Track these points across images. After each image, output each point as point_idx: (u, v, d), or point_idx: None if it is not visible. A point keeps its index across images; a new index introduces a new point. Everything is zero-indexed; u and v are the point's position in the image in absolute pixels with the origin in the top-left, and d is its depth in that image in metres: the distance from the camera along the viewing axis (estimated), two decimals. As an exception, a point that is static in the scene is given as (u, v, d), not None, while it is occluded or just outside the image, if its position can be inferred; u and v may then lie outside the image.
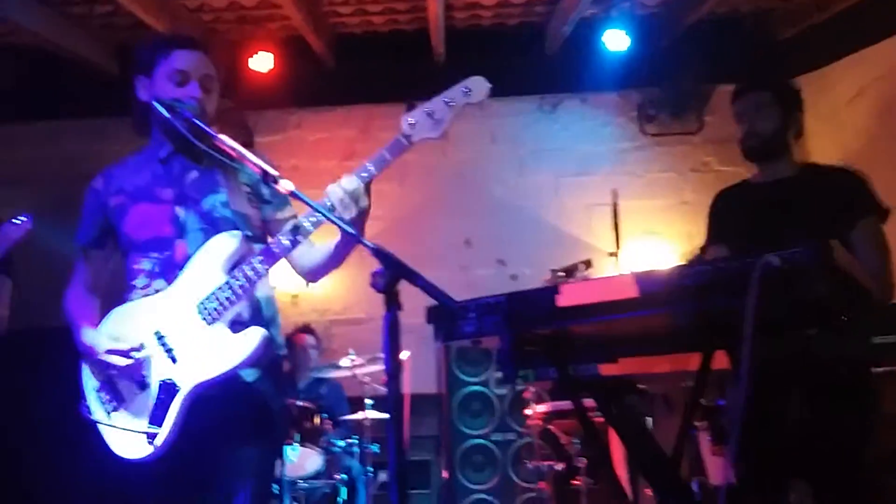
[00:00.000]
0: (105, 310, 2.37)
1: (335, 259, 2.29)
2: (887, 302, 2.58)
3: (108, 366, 2.16)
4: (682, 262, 5.29)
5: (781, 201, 2.72)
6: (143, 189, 2.30)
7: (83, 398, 2.27)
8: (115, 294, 2.39)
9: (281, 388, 2.35)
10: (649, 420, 3.72)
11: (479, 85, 2.05)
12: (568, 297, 1.97)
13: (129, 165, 2.38)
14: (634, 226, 5.89)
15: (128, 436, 2.14)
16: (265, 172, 2.03)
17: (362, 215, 2.10)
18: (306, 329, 5.48)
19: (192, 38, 2.32)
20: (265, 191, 2.34)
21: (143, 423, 2.14)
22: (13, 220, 2.45)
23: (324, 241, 2.28)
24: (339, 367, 4.93)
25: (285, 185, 2.01)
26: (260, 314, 2.28)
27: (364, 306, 5.97)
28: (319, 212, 1.97)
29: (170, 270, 2.21)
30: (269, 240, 2.17)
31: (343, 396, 5.32)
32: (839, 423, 2.49)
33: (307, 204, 1.99)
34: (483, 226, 6.23)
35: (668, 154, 6.33)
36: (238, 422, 2.17)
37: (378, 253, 1.76)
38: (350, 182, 2.06)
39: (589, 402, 2.39)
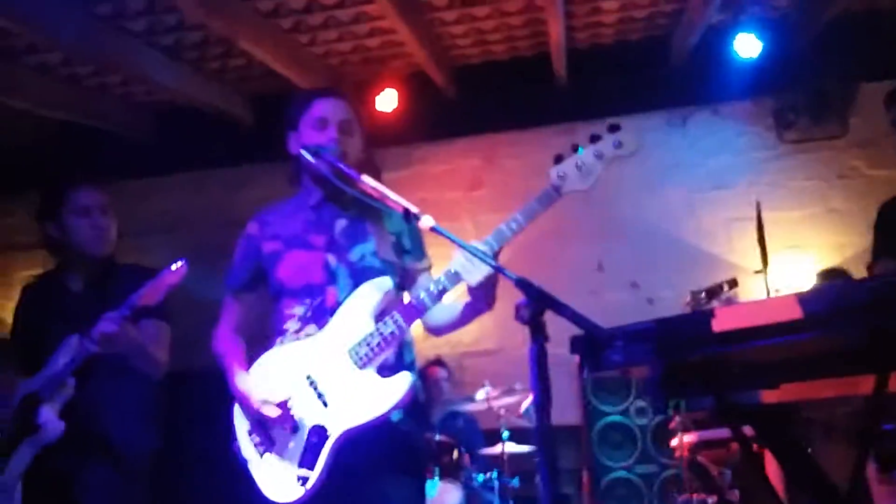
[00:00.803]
0: (249, 353, 2.42)
1: (461, 320, 2.34)
2: None
3: (263, 417, 2.22)
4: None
5: None
6: (297, 236, 2.38)
7: (234, 439, 2.34)
8: (257, 338, 2.45)
9: (422, 426, 2.40)
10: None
11: (629, 138, 2.06)
12: (724, 320, 1.86)
13: (282, 212, 2.48)
14: (779, 240, 5.57)
15: (279, 478, 2.19)
16: (407, 210, 2.05)
17: (490, 279, 2.10)
18: (438, 362, 5.48)
19: (330, 88, 2.50)
20: (406, 241, 2.41)
21: (293, 466, 2.18)
22: (170, 267, 2.58)
23: (453, 300, 2.31)
24: (474, 400, 4.89)
25: (426, 222, 2.03)
26: (402, 359, 2.33)
27: (495, 338, 5.90)
28: (461, 245, 1.95)
29: (321, 316, 2.28)
30: (408, 297, 2.23)
31: (479, 429, 5.27)
32: None
33: (447, 237, 1.99)
34: (615, 248, 6.06)
35: (812, 161, 5.95)
36: (386, 460, 2.20)
37: (521, 284, 1.73)
38: (470, 252, 2.04)
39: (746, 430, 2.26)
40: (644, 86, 6.06)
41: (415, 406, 2.30)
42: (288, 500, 2.16)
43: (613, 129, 2.04)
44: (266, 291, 2.44)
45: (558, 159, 2.06)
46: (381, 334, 2.17)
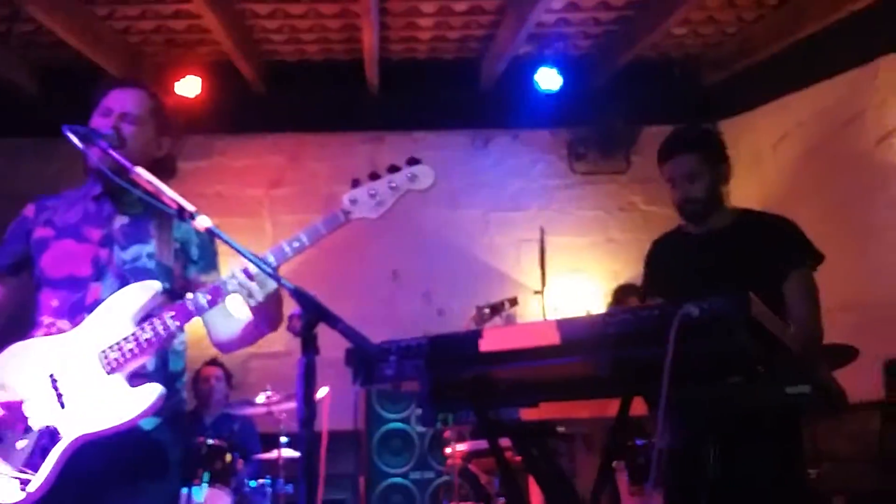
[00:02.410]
0: (5, 343, 2.24)
1: (244, 338, 2.27)
2: (814, 348, 2.66)
3: None
4: (606, 308, 5.38)
5: (718, 254, 2.77)
6: (72, 226, 2.25)
7: None
8: (17, 328, 2.28)
9: (181, 437, 2.28)
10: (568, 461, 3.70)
11: (425, 173, 2.02)
12: (490, 342, 1.96)
13: (64, 199, 2.34)
14: (562, 263, 5.93)
15: (1, 480, 2.03)
16: (181, 208, 1.94)
17: (270, 298, 2.03)
18: (213, 362, 5.28)
19: (131, 79, 2.38)
20: (194, 251, 2.32)
21: (18, 468, 2.03)
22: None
23: (242, 314, 2.24)
24: (253, 404, 4.77)
25: (202, 222, 1.92)
26: (166, 368, 2.22)
27: (284, 340, 5.76)
28: (238, 250, 1.87)
29: (77, 312, 2.15)
30: (187, 296, 2.08)
31: (255, 433, 5.14)
32: (756, 469, 2.53)
33: (224, 241, 1.90)
34: (411, 258, 6.18)
35: (597, 192, 6.41)
36: (129, 467, 2.09)
37: (296, 293, 1.70)
38: (257, 266, 1.94)
39: (506, 441, 2.39)
40: (452, 104, 6.27)
41: (175, 418, 2.21)
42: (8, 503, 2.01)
43: (412, 162, 2.02)
44: (31, 280, 2.28)
45: (355, 184, 2.02)
46: (137, 340, 2.05)
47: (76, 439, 2.02)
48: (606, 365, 1.90)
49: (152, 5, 5.21)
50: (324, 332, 1.69)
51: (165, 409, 2.11)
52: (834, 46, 5.24)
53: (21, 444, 2.06)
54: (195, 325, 2.26)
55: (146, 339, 2.05)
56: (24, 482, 2.00)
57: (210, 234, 1.91)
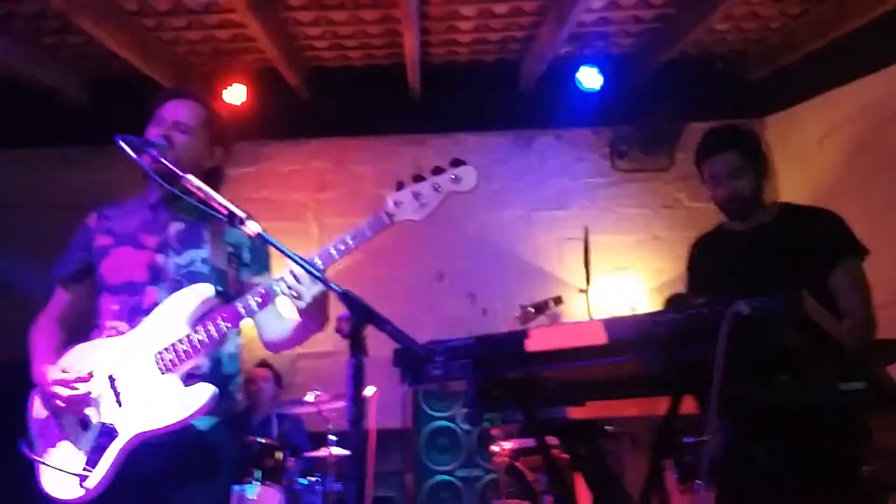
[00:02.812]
0: (71, 344, 2.35)
1: (293, 338, 2.33)
2: (870, 340, 2.62)
3: (55, 397, 2.15)
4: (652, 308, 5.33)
5: (763, 250, 2.75)
6: (130, 234, 2.34)
7: (27, 433, 2.25)
8: (82, 332, 2.39)
9: (236, 436, 2.37)
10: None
11: (468, 175, 2.03)
12: (536, 341, 1.97)
13: (124, 208, 2.44)
14: (606, 261, 5.91)
15: (61, 476, 2.11)
16: (231, 214, 1.99)
17: (317, 299, 2.10)
18: (262, 364, 5.39)
19: (185, 90, 2.45)
20: (246, 254, 2.39)
21: (78, 464, 2.11)
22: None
23: (292, 315, 2.30)
24: (303, 403, 4.85)
25: (252, 227, 1.98)
26: (220, 369, 2.28)
27: (331, 340, 5.80)
28: (286, 254, 1.92)
29: (135, 315, 2.23)
30: (239, 299, 2.15)
31: (304, 432, 5.23)
32: (809, 468, 2.51)
33: (272, 245, 1.96)
34: (455, 260, 6.21)
35: (640, 190, 6.37)
36: (183, 466, 2.15)
37: (345, 297, 1.74)
38: (297, 263, 1.98)
39: (553, 439, 2.39)
40: (494, 106, 6.27)
41: (230, 416, 2.28)
42: (67, 499, 2.09)
43: (456, 163, 2.03)
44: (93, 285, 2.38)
45: (399, 186, 2.05)
46: (190, 341, 2.12)
47: (133, 437, 2.10)
48: (656, 364, 1.90)
49: (199, 16, 5.32)
50: (371, 332, 1.73)
51: (220, 410, 2.17)
52: (878, 40, 5.13)
53: (82, 441, 2.14)
54: (245, 328, 2.32)
55: (199, 341, 2.12)
56: (83, 478, 2.08)
57: (261, 238, 1.96)
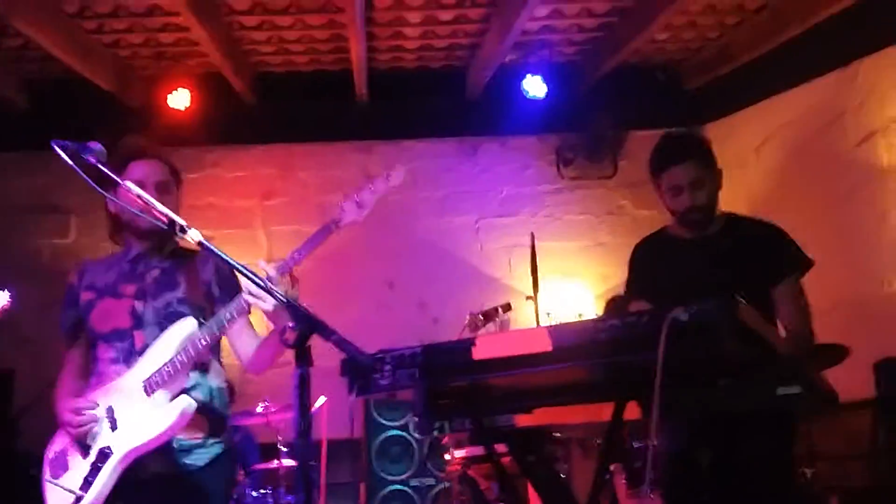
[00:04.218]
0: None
1: (267, 350, 2.44)
2: (807, 348, 2.70)
3: (68, 425, 2.34)
4: (598, 314, 5.39)
5: (708, 257, 2.79)
6: (109, 286, 2.51)
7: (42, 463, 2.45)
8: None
9: (230, 473, 2.61)
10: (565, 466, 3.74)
11: (397, 172, 2.31)
12: (483, 349, 1.98)
13: (103, 264, 2.60)
14: (552, 267, 5.97)
15: (62, 497, 2.30)
16: (171, 221, 1.96)
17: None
18: None
19: (143, 149, 2.53)
20: (215, 289, 2.51)
21: (75, 489, 2.28)
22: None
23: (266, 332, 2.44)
24: (252, 414, 4.79)
25: (193, 236, 1.95)
26: (206, 385, 2.46)
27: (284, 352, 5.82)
28: (230, 264, 1.88)
29: (131, 357, 2.41)
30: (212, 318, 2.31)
31: (254, 444, 5.16)
32: (751, 469, 2.57)
33: (215, 255, 1.92)
34: (405, 268, 6.21)
35: (585, 197, 6.46)
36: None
37: (289, 306, 1.73)
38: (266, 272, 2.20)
39: (503, 447, 2.41)
40: (441, 113, 6.32)
41: (225, 450, 2.47)
42: None
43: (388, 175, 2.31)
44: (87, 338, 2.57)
45: (346, 198, 2.27)
46: (173, 363, 2.28)
47: (125, 455, 2.28)
48: (599, 370, 1.93)
49: (140, 18, 5.23)
50: (321, 343, 1.72)
51: (217, 438, 2.42)
52: (814, 50, 5.31)
53: (81, 468, 2.33)
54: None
55: (179, 360, 2.29)
56: (77, 498, 2.26)
57: (203, 248, 1.93)
